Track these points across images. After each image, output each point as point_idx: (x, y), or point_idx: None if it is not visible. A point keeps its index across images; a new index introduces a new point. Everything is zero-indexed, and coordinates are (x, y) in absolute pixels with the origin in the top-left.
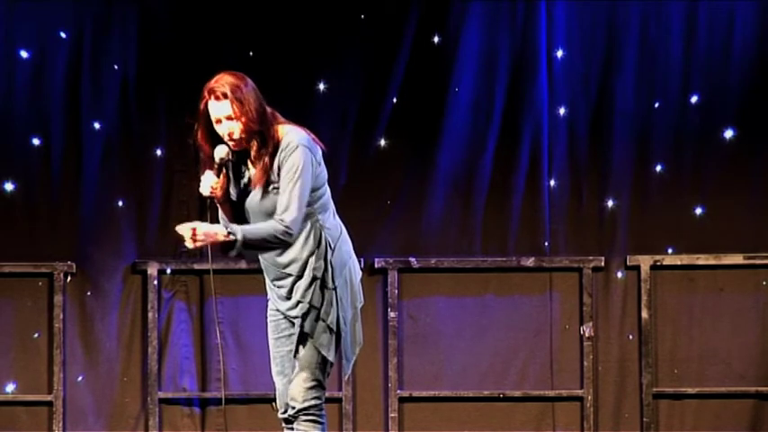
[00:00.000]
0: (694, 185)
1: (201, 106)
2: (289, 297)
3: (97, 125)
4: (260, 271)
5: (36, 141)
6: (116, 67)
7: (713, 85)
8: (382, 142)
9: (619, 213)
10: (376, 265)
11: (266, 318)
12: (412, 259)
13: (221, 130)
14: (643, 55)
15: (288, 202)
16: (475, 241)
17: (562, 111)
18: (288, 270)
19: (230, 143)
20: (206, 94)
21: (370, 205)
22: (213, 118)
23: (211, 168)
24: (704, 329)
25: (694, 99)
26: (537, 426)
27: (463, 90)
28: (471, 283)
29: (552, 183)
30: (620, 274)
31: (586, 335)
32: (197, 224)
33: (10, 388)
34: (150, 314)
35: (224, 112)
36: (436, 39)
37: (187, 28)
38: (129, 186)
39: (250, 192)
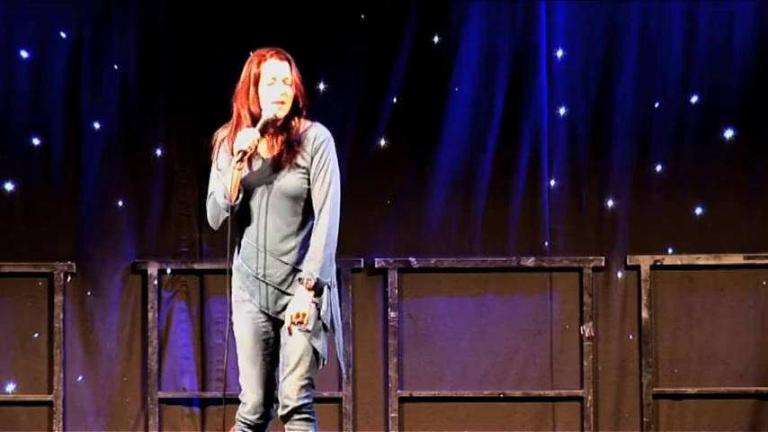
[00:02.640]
0: (694, 185)
1: (256, 68)
2: (284, 293)
3: (97, 125)
4: None
5: (36, 141)
6: (116, 66)
7: (713, 84)
8: (382, 142)
9: (619, 213)
10: (376, 265)
11: (233, 321)
12: (412, 259)
13: (274, 90)
14: (643, 55)
15: (329, 199)
16: (475, 241)
17: (562, 111)
18: (285, 258)
19: (274, 107)
20: (266, 54)
21: (370, 205)
22: (269, 76)
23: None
24: (704, 329)
25: (694, 99)
26: (537, 425)
27: (463, 90)
28: (471, 283)
29: (552, 182)
30: (620, 274)
31: (586, 335)
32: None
33: (10, 388)
34: (150, 314)
35: (283, 73)
36: (436, 39)
37: (186, 28)
38: (129, 186)
39: (254, 166)
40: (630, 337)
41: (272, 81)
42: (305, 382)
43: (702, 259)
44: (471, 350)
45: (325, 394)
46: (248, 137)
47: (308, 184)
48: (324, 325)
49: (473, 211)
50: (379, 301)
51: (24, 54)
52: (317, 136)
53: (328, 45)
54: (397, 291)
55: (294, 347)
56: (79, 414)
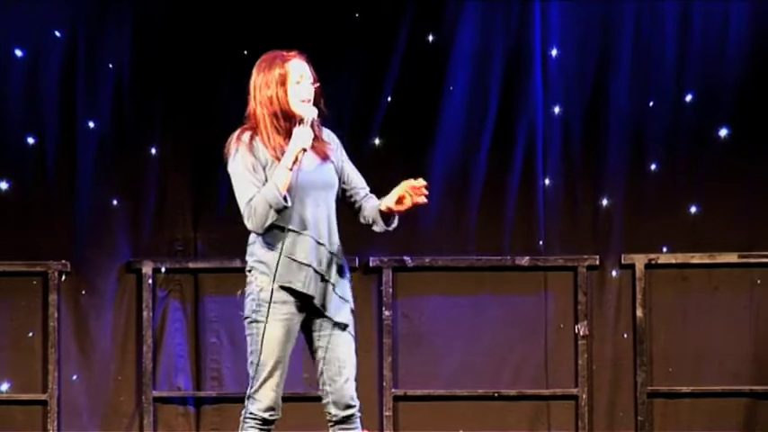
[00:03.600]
0: (689, 184)
1: (281, 69)
2: (336, 293)
3: (92, 124)
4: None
5: (30, 140)
6: (111, 65)
7: (708, 83)
8: (377, 141)
9: (613, 212)
10: (370, 264)
11: (270, 320)
12: (406, 258)
13: (304, 89)
14: (637, 54)
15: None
16: (469, 240)
17: (557, 110)
18: (334, 249)
19: (307, 104)
20: (287, 54)
21: None
22: (297, 75)
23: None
24: (699, 328)
25: (689, 98)
26: (531, 424)
27: (458, 89)
28: (466, 282)
29: (547, 182)
30: (614, 273)
31: (581, 334)
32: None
33: (4, 387)
34: (145, 313)
35: (308, 73)
36: (431, 38)
37: (181, 27)
38: (124, 185)
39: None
40: (625, 336)
41: (300, 79)
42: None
43: (697, 258)
44: (466, 349)
45: (320, 393)
46: (306, 136)
47: (338, 178)
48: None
49: (468, 211)
50: (373, 299)
51: (19, 53)
52: (332, 136)
53: (323, 44)
54: (391, 290)
55: (349, 349)
56: (74, 413)
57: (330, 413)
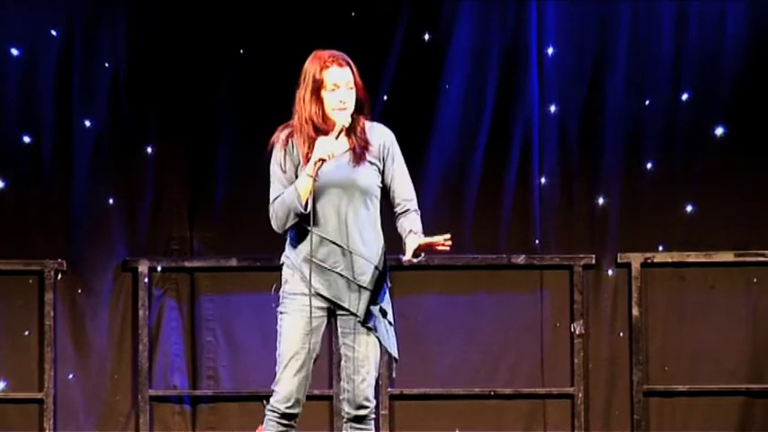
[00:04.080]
0: (685, 183)
1: (318, 75)
2: (362, 287)
3: (88, 123)
4: (246, 269)
5: (26, 139)
6: (107, 64)
7: (704, 82)
8: None
9: (609, 211)
10: None
11: (291, 311)
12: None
13: (338, 96)
14: (634, 52)
15: (411, 186)
16: (466, 239)
17: (553, 108)
18: (363, 252)
19: (341, 112)
20: (328, 61)
21: None
22: (332, 83)
23: (315, 136)
24: (695, 327)
25: (685, 96)
26: (528, 423)
27: (454, 87)
28: (462, 280)
29: (543, 180)
30: (610, 272)
31: (577, 332)
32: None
33: (0, 386)
34: (141, 312)
35: (345, 79)
36: (427, 36)
37: (177, 26)
38: (120, 184)
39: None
40: (621, 334)
41: (335, 87)
42: (374, 382)
43: (693, 257)
44: (462, 348)
45: (316, 392)
46: (328, 146)
47: (380, 181)
48: (390, 324)
49: (464, 209)
50: None
51: (15, 52)
52: (385, 138)
53: (319, 42)
54: None
55: (371, 350)
56: (70, 412)
57: (344, 410)
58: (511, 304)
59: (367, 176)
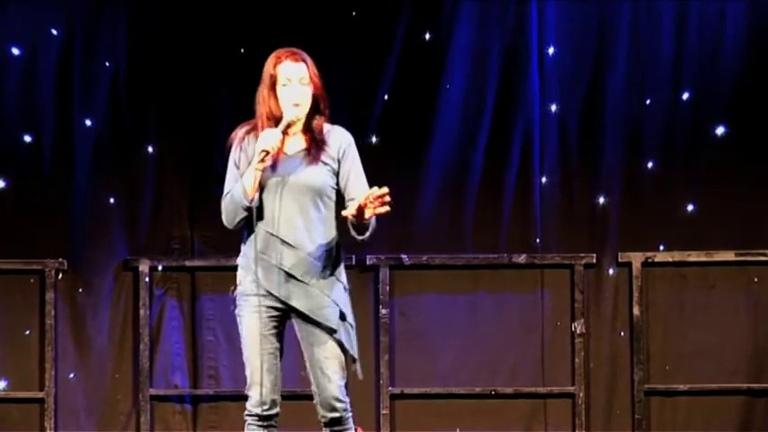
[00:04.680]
0: (686, 182)
1: (272, 69)
2: (304, 283)
3: (88, 122)
4: None
5: (27, 138)
6: (107, 63)
7: (704, 81)
8: (374, 139)
9: (610, 210)
10: (367, 262)
11: (245, 313)
12: (403, 256)
13: (290, 91)
14: (634, 52)
15: (366, 188)
16: (466, 238)
17: (553, 108)
18: (309, 250)
19: (294, 108)
20: (282, 56)
21: None
22: (284, 78)
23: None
24: (695, 326)
25: (685, 96)
26: (528, 423)
27: (455, 87)
28: (463, 280)
29: (543, 180)
30: (611, 271)
31: (578, 332)
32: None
33: (1, 385)
34: (142, 311)
35: (298, 74)
36: (428, 36)
37: (178, 25)
38: (121, 183)
39: (279, 163)
40: (622, 334)
41: (288, 82)
42: (344, 381)
43: (694, 256)
44: (463, 347)
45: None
46: (271, 137)
47: (334, 182)
48: (351, 325)
49: (464, 209)
50: (370, 298)
51: (16, 51)
52: (343, 140)
53: (320, 42)
54: (388, 288)
55: (331, 349)
56: (71, 411)
57: (319, 414)
58: (511, 304)
59: (319, 176)
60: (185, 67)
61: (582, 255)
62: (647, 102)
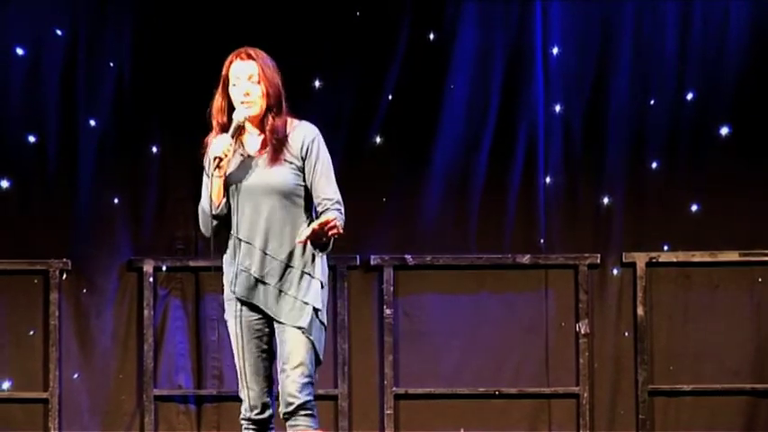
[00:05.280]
0: (690, 182)
1: (225, 71)
2: (280, 291)
3: (93, 122)
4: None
5: (31, 138)
6: (111, 64)
7: (709, 81)
8: (378, 139)
9: (614, 210)
10: (372, 263)
11: (228, 318)
12: (407, 256)
13: (239, 90)
14: (638, 52)
15: (332, 186)
16: (470, 239)
17: (557, 108)
18: (279, 255)
19: (245, 106)
20: (232, 56)
21: (366, 202)
22: (233, 78)
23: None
24: (699, 326)
25: (690, 96)
26: (533, 423)
27: (458, 87)
28: (467, 280)
29: (548, 180)
30: (615, 272)
31: (582, 332)
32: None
33: (5, 385)
34: (146, 311)
35: (247, 72)
36: (432, 36)
37: (182, 25)
38: (125, 184)
39: (241, 166)
40: (626, 334)
41: (237, 81)
42: (307, 379)
43: (698, 256)
44: (467, 347)
45: (321, 392)
46: (221, 143)
47: (300, 180)
48: (322, 324)
49: (469, 209)
50: (374, 298)
51: (20, 51)
52: (306, 136)
53: (324, 42)
54: (392, 288)
55: (294, 345)
56: (75, 411)
57: (279, 410)
58: (515, 304)
59: (282, 176)
60: (189, 67)
61: (586, 255)
62: (652, 102)
